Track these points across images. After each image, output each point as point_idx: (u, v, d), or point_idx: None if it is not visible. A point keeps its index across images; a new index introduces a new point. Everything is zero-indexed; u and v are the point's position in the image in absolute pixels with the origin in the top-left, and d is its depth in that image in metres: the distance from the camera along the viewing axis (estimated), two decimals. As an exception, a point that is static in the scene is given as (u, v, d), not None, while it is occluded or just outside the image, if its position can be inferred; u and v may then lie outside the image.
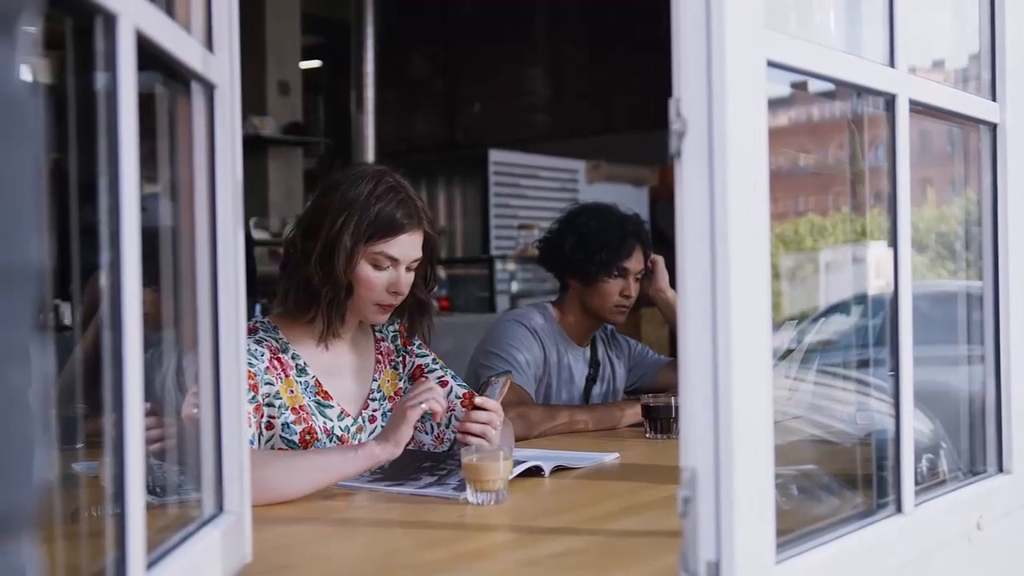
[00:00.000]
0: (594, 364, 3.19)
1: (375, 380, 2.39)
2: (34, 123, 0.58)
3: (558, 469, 2.23)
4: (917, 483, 1.56)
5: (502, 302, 7.33)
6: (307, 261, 2.22)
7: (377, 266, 2.23)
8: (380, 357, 2.42)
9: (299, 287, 2.24)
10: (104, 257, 1.01)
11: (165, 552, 1.18)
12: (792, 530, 1.34)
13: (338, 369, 2.34)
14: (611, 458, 2.40)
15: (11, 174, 0.55)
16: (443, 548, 1.66)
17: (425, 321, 2.40)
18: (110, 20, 1.00)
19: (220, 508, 1.38)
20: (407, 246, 2.24)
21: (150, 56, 1.12)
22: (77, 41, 1.05)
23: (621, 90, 9.49)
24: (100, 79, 1.02)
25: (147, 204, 1.11)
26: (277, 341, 2.26)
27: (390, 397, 2.40)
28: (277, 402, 2.18)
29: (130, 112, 1.02)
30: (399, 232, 2.22)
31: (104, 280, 1.01)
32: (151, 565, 1.09)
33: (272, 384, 2.18)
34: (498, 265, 7.47)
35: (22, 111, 0.57)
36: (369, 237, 2.20)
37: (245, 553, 1.43)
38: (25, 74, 0.59)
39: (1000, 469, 1.83)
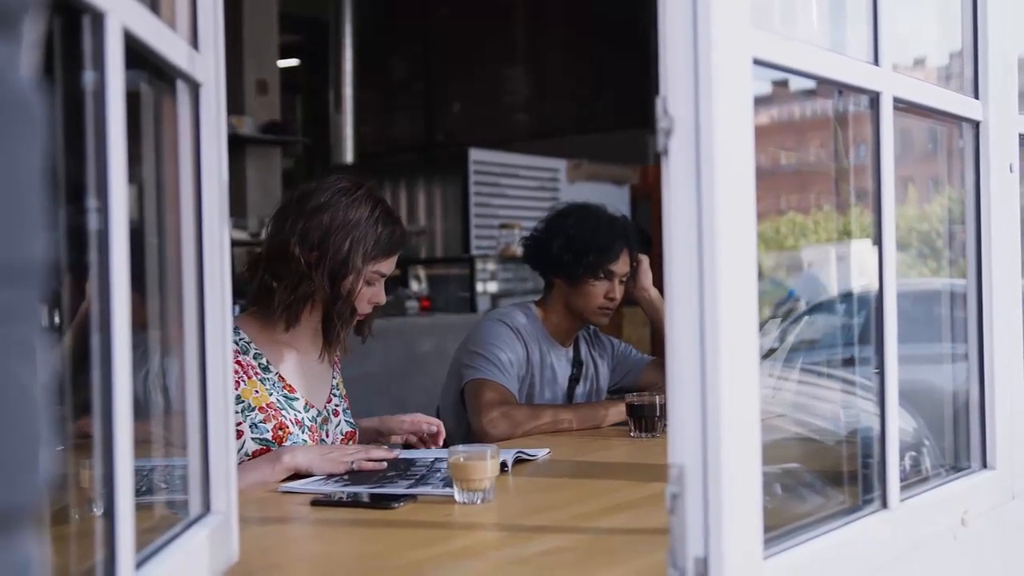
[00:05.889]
0: (577, 364, 3.19)
1: (334, 378, 2.48)
2: (38, 122, 0.58)
3: (519, 461, 2.28)
4: (901, 480, 1.57)
5: (483, 302, 7.32)
6: (309, 277, 2.26)
7: (370, 283, 2.33)
8: (335, 358, 2.51)
9: (302, 301, 2.29)
10: (92, 258, 1.01)
11: (153, 552, 1.17)
12: (780, 526, 1.34)
13: (300, 366, 2.39)
14: (542, 454, 2.41)
15: (18, 172, 0.55)
16: (430, 547, 1.66)
17: (374, 316, 2.46)
18: (98, 18, 1.00)
19: (207, 508, 1.38)
20: (394, 262, 2.38)
21: (135, 54, 1.11)
22: (61, 39, 1.05)
23: (602, 89, 9.52)
24: (87, 77, 1.01)
25: (131, 204, 1.11)
26: (237, 343, 2.26)
27: (344, 396, 2.50)
28: (239, 406, 2.20)
29: (118, 110, 1.02)
30: (396, 252, 2.36)
31: (92, 281, 1.01)
32: (139, 565, 1.09)
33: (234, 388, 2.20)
34: (479, 265, 7.46)
35: (28, 110, 0.57)
36: (374, 258, 2.30)
37: (232, 553, 1.43)
38: (29, 73, 0.59)
39: (984, 465, 1.85)
